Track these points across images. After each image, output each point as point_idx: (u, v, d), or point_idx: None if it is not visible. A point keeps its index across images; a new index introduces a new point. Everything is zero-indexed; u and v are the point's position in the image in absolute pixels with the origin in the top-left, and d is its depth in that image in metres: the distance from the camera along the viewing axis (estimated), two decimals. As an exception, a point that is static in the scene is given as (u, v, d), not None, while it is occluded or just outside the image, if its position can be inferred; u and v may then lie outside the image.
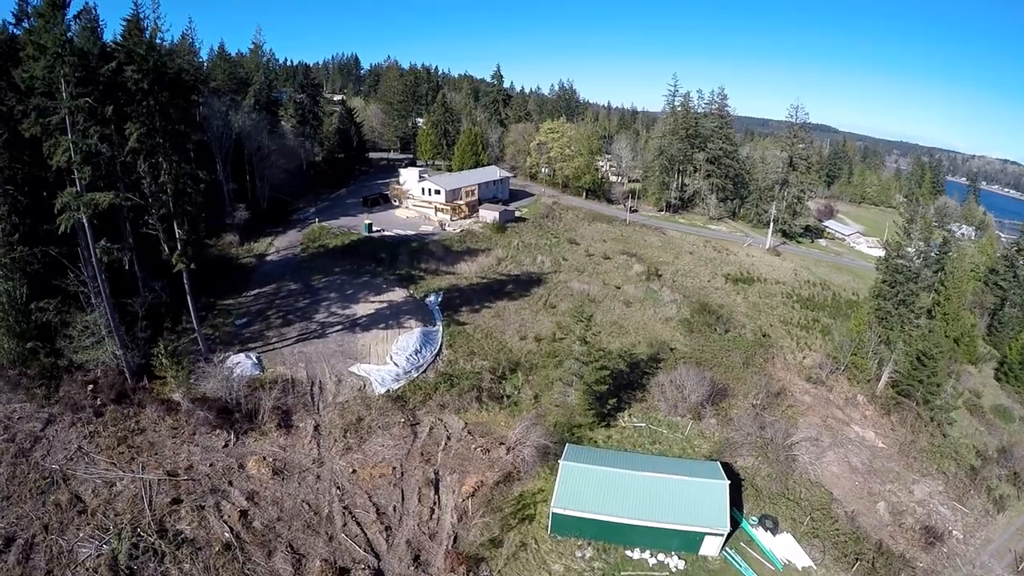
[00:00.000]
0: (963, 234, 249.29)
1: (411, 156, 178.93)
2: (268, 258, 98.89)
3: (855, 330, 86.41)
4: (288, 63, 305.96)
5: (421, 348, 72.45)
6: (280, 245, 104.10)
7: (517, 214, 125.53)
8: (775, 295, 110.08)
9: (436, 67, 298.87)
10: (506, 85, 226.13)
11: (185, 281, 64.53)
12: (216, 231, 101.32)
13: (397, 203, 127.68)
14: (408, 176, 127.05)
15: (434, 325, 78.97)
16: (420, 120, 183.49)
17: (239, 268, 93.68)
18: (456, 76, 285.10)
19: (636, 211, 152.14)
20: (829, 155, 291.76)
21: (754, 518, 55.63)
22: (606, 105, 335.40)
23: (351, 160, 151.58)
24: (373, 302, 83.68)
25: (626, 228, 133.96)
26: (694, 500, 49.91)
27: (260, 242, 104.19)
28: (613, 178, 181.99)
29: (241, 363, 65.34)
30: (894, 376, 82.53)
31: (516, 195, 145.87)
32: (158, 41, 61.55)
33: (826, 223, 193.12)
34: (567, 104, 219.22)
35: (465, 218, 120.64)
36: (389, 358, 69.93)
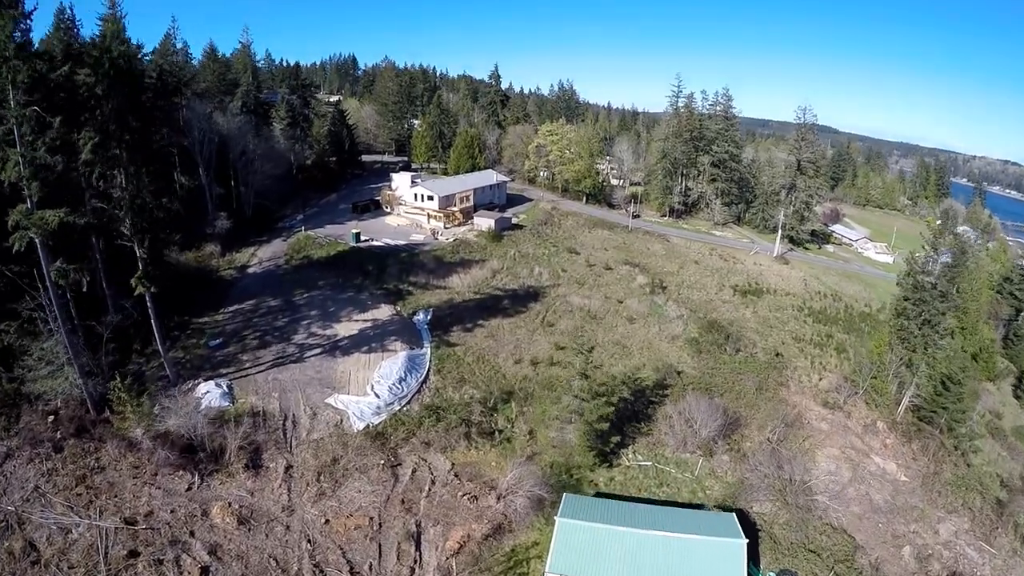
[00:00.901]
0: (969, 238, 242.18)
1: (406, 159, 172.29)
2: (250, 270, 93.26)
3: (875, 352, 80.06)
4: (284, 64, 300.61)
5: (406, 375, 66.32)
6: (264, 256, 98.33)
7: (514, 221, 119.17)
8: (786, 308, 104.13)
9: (434, 67, 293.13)
10: (505, 86, 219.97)
11: (149, 304, 58.24)
12: (196, 241, 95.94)
13: (388, 209, 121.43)
14: (400, 181, 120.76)
15: (421, 347, 72.84)
16: (416, 122, 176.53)
17: (218, 282, 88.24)
18: (454, 77, 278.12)
19: (638, 216, 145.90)
20: (833, 157, 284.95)
21: (772, 574, 49.37)
22: (606, 106, 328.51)
23: (343, 164, 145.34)
24: (357, 321, 77.52)
25: (628, 235, 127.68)
26: (708, 562, 43.80)
27: (243, 252, 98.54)
28: (614, 181, 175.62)
29: (210, 393, 59.81)
30: (915, 400, 76.43)
31: (514, 200, 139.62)
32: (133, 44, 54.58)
33: (832, 227, 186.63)
34: (567, 105, 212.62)
35: (459, 225, 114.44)
36: (370, 388, 63.88)
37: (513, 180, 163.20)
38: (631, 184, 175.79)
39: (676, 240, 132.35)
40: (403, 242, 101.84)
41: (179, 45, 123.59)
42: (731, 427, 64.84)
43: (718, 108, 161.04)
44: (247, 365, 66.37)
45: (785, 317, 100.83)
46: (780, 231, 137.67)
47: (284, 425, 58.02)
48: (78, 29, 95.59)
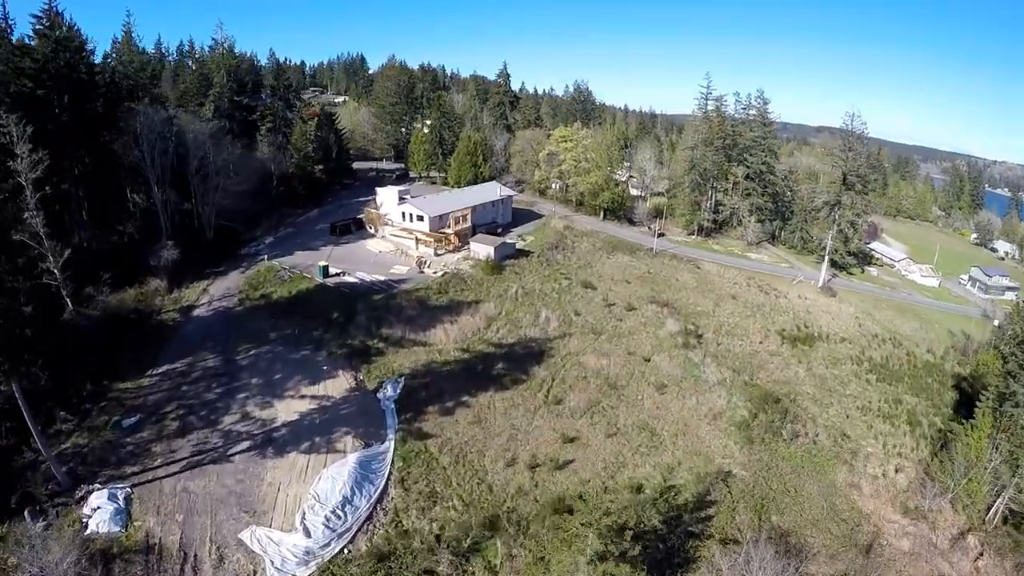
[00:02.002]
0: (1006, 253, 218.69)
1: (403, 166, 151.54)
2: (196, 312, 74.66)
3: (974, 448, 58.86)
4: (288, 63, 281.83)
5: (353, 493, 46.43)
6: (216, 292, 79.72)
7: (520, 245, 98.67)
8: (843, 361, 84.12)
9: (443, 67, 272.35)
10: (516, 87, 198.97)
11: (18, 396, 39.72)
12: (141, 274, 78.50)
13: (372, 230, 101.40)
14: (386, 197, 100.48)
15: (381, 441, 53.10)
16: (417, 125, 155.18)
17: (156, 329, 70.20)
18: (465, 78, 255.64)
19: (663, 235, 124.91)
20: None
21: None
22: (623, 108, 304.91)
23: (330, 173, 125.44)
24: (304, 397, 57.91)
25: (653, 261, 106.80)
26: None
27: (193, 288, 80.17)
28: (633, 191, 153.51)
29: (101, 510, 42.83)
30: (1013, 505, 55.91)
31: (521, 216, 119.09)
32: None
33: (871, 245, 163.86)
34: (582, 107, 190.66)
35: (454, 251, 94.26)
36: (300, 518, 44.01)
37: (522, 191, 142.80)
38: (652, 194, 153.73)
39: (708, 266, 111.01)
40: (381, 277, 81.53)
41: (140, 43, 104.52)
42: (795, 561, 44.22)
43: (751, 112, 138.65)
44: (157, 462, 48.73)
45: (844, 375, 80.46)
46: (825, 258, 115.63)
47: (182, 571, 39.70)
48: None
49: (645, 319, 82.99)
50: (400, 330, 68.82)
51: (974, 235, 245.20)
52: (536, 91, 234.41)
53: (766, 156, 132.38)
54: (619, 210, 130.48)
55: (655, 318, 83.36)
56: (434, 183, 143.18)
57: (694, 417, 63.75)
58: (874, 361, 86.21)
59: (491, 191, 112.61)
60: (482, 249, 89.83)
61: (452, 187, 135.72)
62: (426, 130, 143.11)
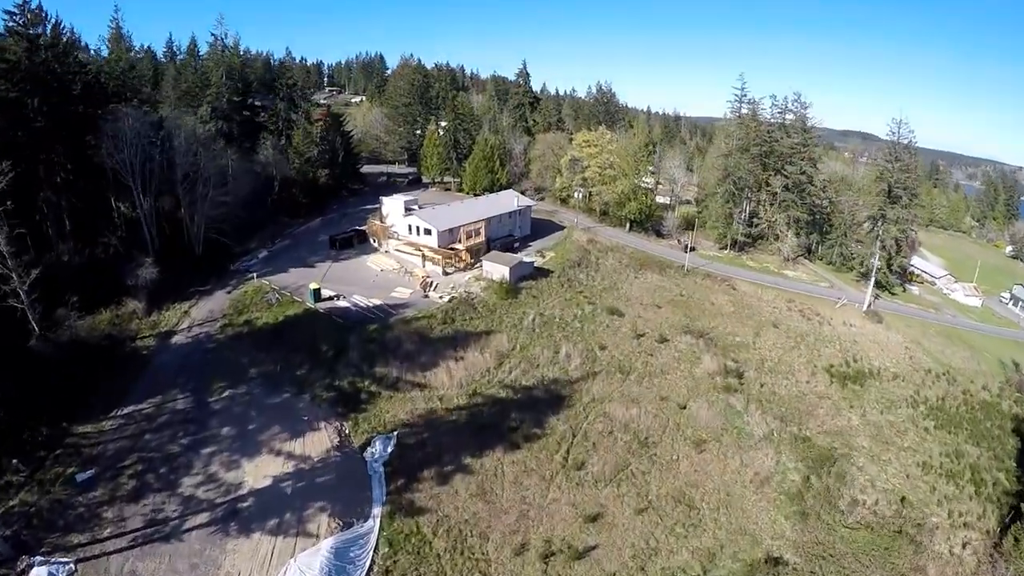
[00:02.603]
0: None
1: (416, 171, 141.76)
2: (174, 339, 66.10)
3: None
4: (303, 62, 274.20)
5: (323, 598, 36.11)
6: (198, 316, 71.03)
7: (538, 263, 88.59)
8: (898, 404, 73.75)
9: (462, 67, 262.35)
10: (537, 87, 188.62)
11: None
12: (118, 293, 70.35)
13: (376, 244, 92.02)
14: (391, 207, 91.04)
15: (364, 519, 43.29)
16: (431, 127, 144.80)
17: (129, 358, 61.91)
18: (485, 79, 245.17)
19: (693, 249, 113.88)
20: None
21: None
22: (646, 110, 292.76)
23: (337, 178, 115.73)
24: (280, 456, 48.64)
25: (684, 280, 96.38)
26: None
27: (174, 310, 71.62)
28: (659, 199, 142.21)
29: None
30: None
31: (541, 228, 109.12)
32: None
33: (910, 260, 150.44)
34: (605, 109, 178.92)
35: (465, 269, 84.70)
36: (252, 636, 33.71)
37: (542, 199, 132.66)
38: (680, 202, 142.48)
39: (744, 287, 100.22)
40: (379, 301, 71.88)
41: (130, 40, 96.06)
42: None
43: (788, 117, 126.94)
44: (107, 532, 40.91)
45: (901, 422, 70.26)
46: (872, 279, 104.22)
47: None
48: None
49: (679, 353, 72.64)
50: (396, 369, 59.06)
51: (1009, 247, 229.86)
52: (557, 92, 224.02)
53: (806, 165, 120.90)
54: (647, 222, 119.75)
55: (690, 352, 72.97)
56: (448, 189, 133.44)
57: (737, 483, 53.48)
58: (930, 403, 75.62)
59: (508, 201, 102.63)
60: (496, 269, 79.80)
61: (467, 194, 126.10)
62: (440, 132, 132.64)
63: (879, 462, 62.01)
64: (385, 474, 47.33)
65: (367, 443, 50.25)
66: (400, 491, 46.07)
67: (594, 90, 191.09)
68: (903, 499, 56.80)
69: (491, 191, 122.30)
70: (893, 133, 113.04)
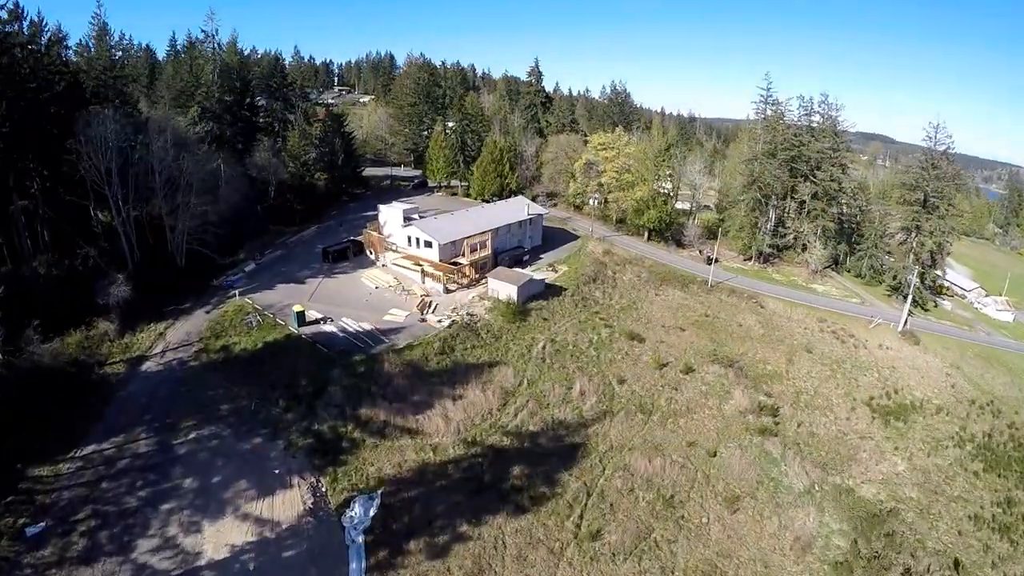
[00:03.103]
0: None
1: (421, 174, 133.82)
2: (145, 366, 58.79)
3: None
4: (311, 61, 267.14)
5: None
6: (174, 338, 63.56)
7: (550, 279, 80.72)
8: (944, 443, 66.14)
9: (473, 66, 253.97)
10: (550, 88, 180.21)
11: None
12: (91, 312, 63.55)
13: (372, 256, 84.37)
14: (389, 216, 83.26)
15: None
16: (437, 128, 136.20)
17: (94, 389, 54.99)
18: (497, 79, 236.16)
19: (716, 260, 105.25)
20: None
21: None
22: (660, 111, 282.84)
23: (336, 182, 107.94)
24: (246, 519, 41.67)
25: (708, 297, 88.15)
26: None
27: (148, 331, 64.43)
28: (679, 204, 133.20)
29: None
30: None
31: (553, 237, 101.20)
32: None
33: (939, 271, 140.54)
34: (620, 109, 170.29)
35: (470, 284, 76.99)
36: None
37: (555, 205, 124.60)
38: (699, 207, 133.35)
39: (772, 304, 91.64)
40: (370, 325, 63.99)
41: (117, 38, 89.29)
42: None
43: (815, 119, 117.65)
44: None
45: (949, 466, 62.73)
46: (908, 298, 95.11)
47: None
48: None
49: (707, 386, 64.45)
50: (385, 411, 51.15)
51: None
52: (570, 92, 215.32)
53: (836, 171, 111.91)
54: (666, 231, 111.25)
55: (719, 385, 64.77)
56: (455, 194, 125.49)
57: (776, 551, 45.48)
58: (977, 441, 67.69)
59: (518, 209, 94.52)
60: (502, 288, 71.69)
61: (475, 199, 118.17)
62: (447, 133, 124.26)
63: (928, 516, 54.41)
64: (365, 545, 39.40)
65: (346, 504, 42.35)
66: (382, 568, 38.16)
67: (608, 90, 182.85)
68: (957, 563, 48.87)
69: (500, 196, 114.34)
70: (929, 138, 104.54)
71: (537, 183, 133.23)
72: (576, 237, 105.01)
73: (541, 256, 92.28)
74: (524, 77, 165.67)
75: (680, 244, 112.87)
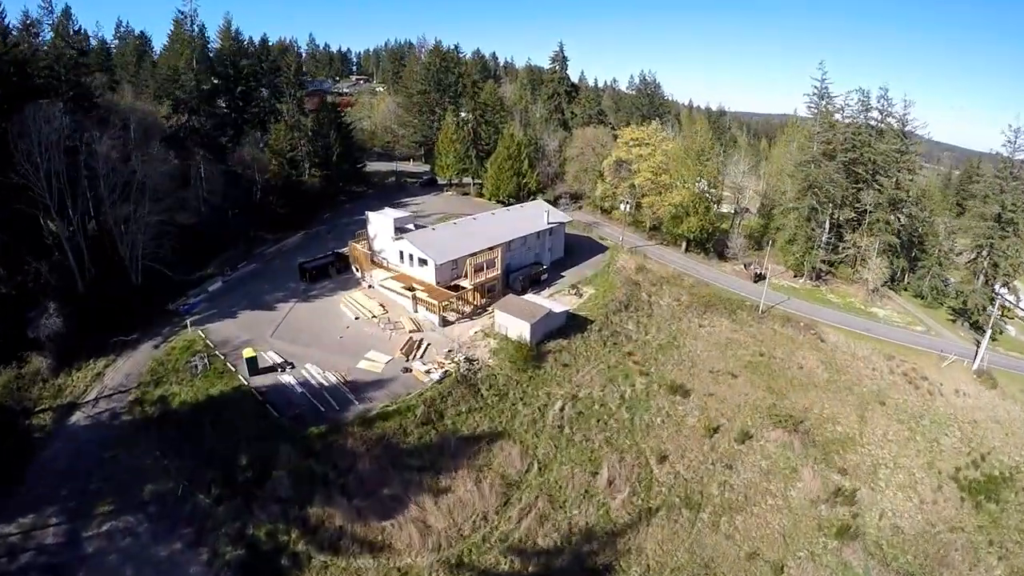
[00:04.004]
0: None
1: (430, 171, 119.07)
2: (73, 419, 47.41)
3: None
4: (327, 49, 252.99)
5: None
6: (112, 381, 51.52)
7: (573, 306, 66.35)
8: None
9: (495, 54, 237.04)
10: (575, 77, 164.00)
11: None
12: (20, 349, 52.58)
13: (359, 273, 69.89)
14: (379, 226, 68.90)
15: None
16: (462, 116, 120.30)
17: (16, 446, 44.24)
18: (520, 68, 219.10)
19: (763, 276, 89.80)
20: (958, 180, 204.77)
21: None
22: (688, 104, 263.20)
23: (332, 180, 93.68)
24: None
25: (761, 327, 73.66)
26: None
27: (87, 369, 53.00)
28: (723, 208, 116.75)
29: None
30: None
31: (576, 248, 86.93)
32: None
33: (998, 290, 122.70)
34: (649, 101, 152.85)
35: (474, 314, 62.51)
36: None
37: (579, 207, 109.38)
38: (743, 212, 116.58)
39: (833, 336, 76.38)
40: (338, 376, 50.04)
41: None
42: None
43: (873, 117, 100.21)
44: None
45: None
46: (987, 333, 78.66)
47: None
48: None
49: (768, 461, 49.85)
50: (342, 511, 37.28)
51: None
52: (596, 83, 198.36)
53: (904, 177, 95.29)
54: (708, 241, 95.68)
55: (782, 459, 50.11)
56: (466, 194, 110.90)
57: None
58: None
59: (536, 215, 79.53)
60: (512, 324, 57.01)
61: (489, 199, 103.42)
62: (457, 124, 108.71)
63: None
64: None
65: None
66: None
67: (637, 80, 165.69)
68: None
69: (517, 198, 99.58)
70: (1009, 143, 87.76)
71: (560, 182, 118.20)
72: (603, 248, 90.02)
73: (563, 273, 77.53)
74: (547, 65, 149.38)
75: (722, 256, 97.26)
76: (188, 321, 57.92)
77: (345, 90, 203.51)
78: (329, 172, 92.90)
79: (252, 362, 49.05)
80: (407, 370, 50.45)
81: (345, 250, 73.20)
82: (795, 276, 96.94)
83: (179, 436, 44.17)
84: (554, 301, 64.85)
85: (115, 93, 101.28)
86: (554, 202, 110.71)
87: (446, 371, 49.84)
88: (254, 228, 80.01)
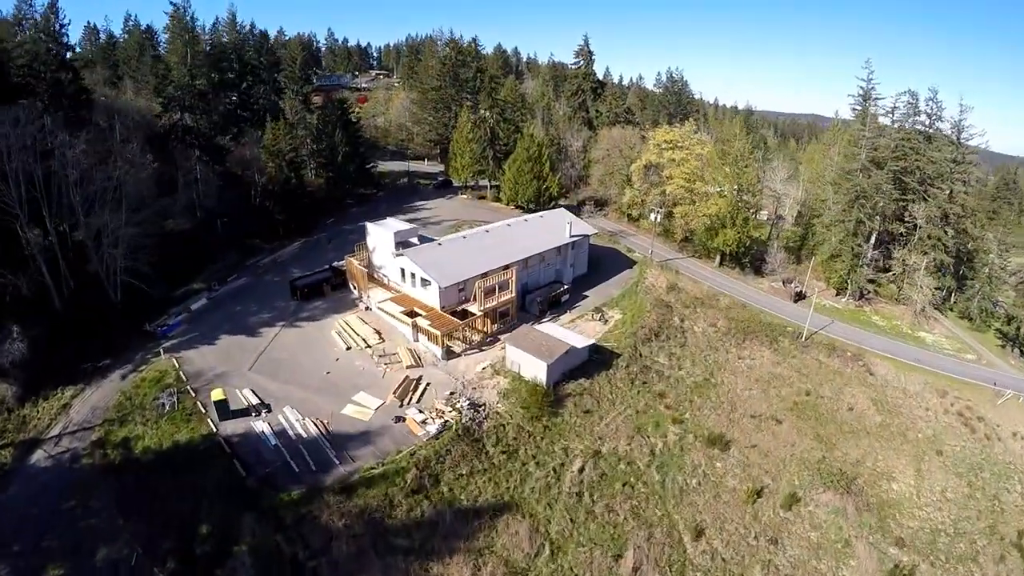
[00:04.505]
0: None
1: (444, 172, 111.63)
2: (34, 458, 41.91)
3: None
4: (345, 44, 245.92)
5: None
6: (78, 414, 45.91)
7: (597, 335, 59.06)
8: None
9: (516, 49, 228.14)
10: (600, 73, 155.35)
11: None
12: None
13: (355, 292, 62.70)
14: (378, 238, 61.91)
15: None
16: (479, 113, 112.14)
17: None
18: (543, 64, 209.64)
19: (803, 296, 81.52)
20: (994, 188, 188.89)
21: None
22: (713, 102, 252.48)
23: (337, 183, 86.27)
24: None
25: (804, 357, 66.36)
26: None
27: (54, 399, 47.27)
28: (760, 214, 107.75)
29: None
30: None
31: (601, 262, 79.85)
32: None
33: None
34: (677, 100, 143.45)
35: (483, 344, 54.98)
36: None
37: (603, 214, 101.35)
38: (780, 223, 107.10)
39: (881, 367, 68.39)
40: (317, 428, 42.74)
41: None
42: None
43: (921, 121, 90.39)
44: None
45: None
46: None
47: None
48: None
49: (818, 532, 42.54)
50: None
51: None
52: (622, 80, 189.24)
53: (959, 189, 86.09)
54: (745, 255, 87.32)
55: (833, 529, 42.98)
56: (482, 197, 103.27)
57: None
58: None
59: (557, 227, 71.65)
60: (526, 362, 49.60)
61: (506, 204, 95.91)
62: (476, 122, 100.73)
63: None
64: None
65: None
66: None
67: (664, 78, 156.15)
68: None
69: (537, 203, 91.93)
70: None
71: (583, 186, 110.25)
72: (631, 261, 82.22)
73: (586, 293, 69.82)
74: (570, 60, 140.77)
75: (758, 271, 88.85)
76: (162, 348, 51.50)
77: (364, 85, 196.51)
78: (331, 175, 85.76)
79: (222, 405, 42.25)
80: (400, 419, 43.20)
81: (343, 264, 65.76)
82: (836, 294, 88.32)
83: (139, 490, 38.30)
84: (575, 331, 57.20)
85: (117, 89, 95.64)
86: (578, 207, 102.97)
87: (445, 422, 42.50)
88: (249, 236, 73.27)
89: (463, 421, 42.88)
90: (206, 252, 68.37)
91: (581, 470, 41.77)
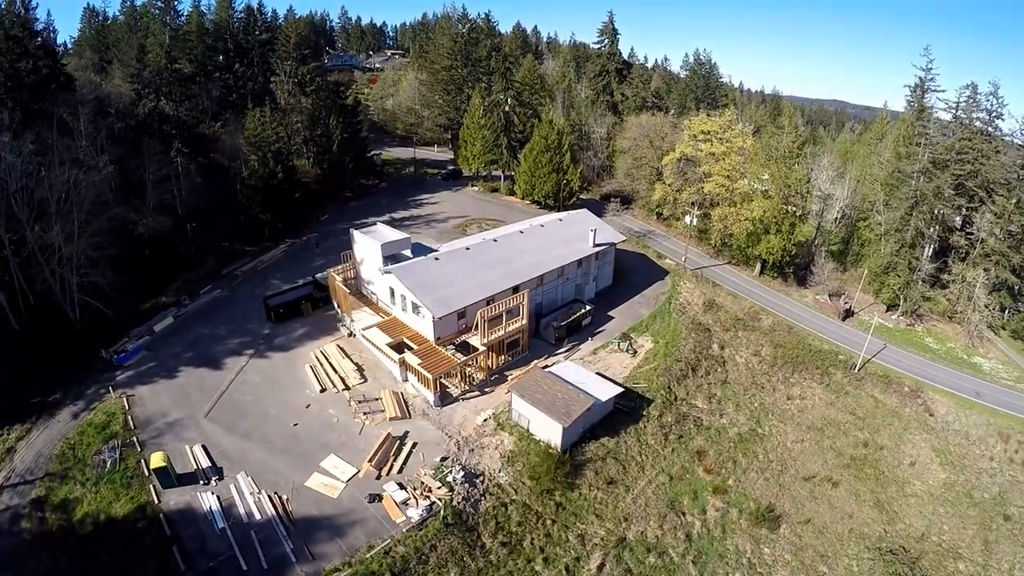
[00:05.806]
0: None
1: (453, 160, 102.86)
2: None
3: None
4: (358, 23, 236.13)
5: None
6: (22, 462, 39.20)
7: (624, 372, 50.70)
8: None
9: (536, 28, 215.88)
10: (626, 53, 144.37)
11: None
12: None
13: (339, 312, 54.78)
14: (365, 248, 53.81)
15: None
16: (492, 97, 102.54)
17: None
18: (564, 44, 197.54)
19: (852, 313, 72.87)
20: None
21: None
22: (738, 87, 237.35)
23: (333, 175, 78.11)
24: None
25: (859, 393, 58.17)
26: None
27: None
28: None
29: None
30: None
31: (628, 270, 72.33)
32: None
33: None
34: (705, 84, 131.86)
35: (486, 383, 46.78)
36: None
37: (629, 211, 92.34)
38: (822, 225, 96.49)
39: (941, 406, 59.67)
40: (273, 507, 34.63)
41: None
42: None
43: (979, 118, 79.52)
44: None
45: None
46: None
47: None
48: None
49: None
50: None
51: None
52: (646, 61, 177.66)
53: (1024, 196, 76.00)
54: (789, 265, 78.02)
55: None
56: (495, 190, 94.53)
57: None
58: None
59: (579, 234, 62.86)
60: (536, 420, 41.44)
61: (521, 199, 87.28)
62: (488, 106, 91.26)
63: None
64: None
65: None
66: None
67: (691, 60, 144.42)
68: None
69: (556, 198, 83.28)
70: None
71: (608, 177, 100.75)
72: (662, 271, 73.43)
73: (611, 313, 61.23)
74: (593, 40, 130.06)
75: (801, 281, 79.59)
76: (113, 383, 44.18)
77: (377, 65, 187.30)
78: (325, 167, 77.30)
79: (163, 474, 34.50)
80: (376, 498, 34.99)
81: (326, 276, 57.20)
82: (887, 310, 78.97)
83: (75, 572, 30.59)
84: (598, 365, 48.79)
85: (104, 75, 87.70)
86: (601, 203, 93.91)
87: (432, 504, 34.38)
88: (231, 238, 65.31)
89: (454, 503, 34.75)
90: (184, 258, 60.78)
91: (600, 567, 33.66)
